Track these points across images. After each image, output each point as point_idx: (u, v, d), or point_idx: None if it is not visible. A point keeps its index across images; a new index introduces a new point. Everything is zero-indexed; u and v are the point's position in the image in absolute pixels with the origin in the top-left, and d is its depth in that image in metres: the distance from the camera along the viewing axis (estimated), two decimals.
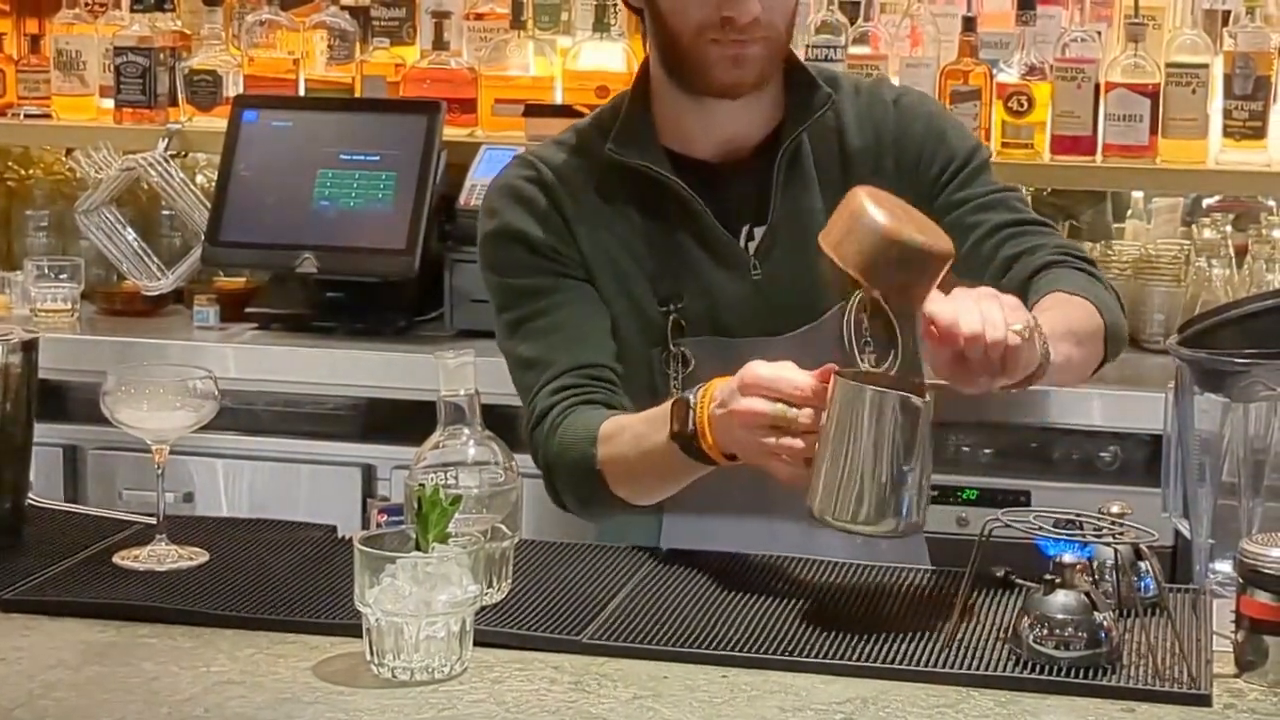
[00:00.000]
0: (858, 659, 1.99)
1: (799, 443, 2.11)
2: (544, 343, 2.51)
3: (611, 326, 2.53)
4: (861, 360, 2.24)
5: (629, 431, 2.37)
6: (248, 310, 3.98)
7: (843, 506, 2.03)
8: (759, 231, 2.52)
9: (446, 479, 2.14)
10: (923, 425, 2.03)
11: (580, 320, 2.51)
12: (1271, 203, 4.07)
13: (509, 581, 2.16)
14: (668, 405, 2.29)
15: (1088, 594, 1.98)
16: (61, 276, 4.05)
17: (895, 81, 3.84)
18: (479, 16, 4.21)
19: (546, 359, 2.50)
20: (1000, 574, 2.05)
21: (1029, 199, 2.54)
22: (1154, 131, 3.78)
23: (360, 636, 1.96)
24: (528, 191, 2.55)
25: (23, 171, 4.53)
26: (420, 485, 2.06)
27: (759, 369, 2.17)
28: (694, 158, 2.53)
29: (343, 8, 4.23)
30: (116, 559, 2.28)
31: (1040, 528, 2.02)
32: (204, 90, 4.21)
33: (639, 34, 4.12)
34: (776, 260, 2.52)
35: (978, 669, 1.96)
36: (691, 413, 2.24)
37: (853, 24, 3.97)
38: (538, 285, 2.53)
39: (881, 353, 2.36)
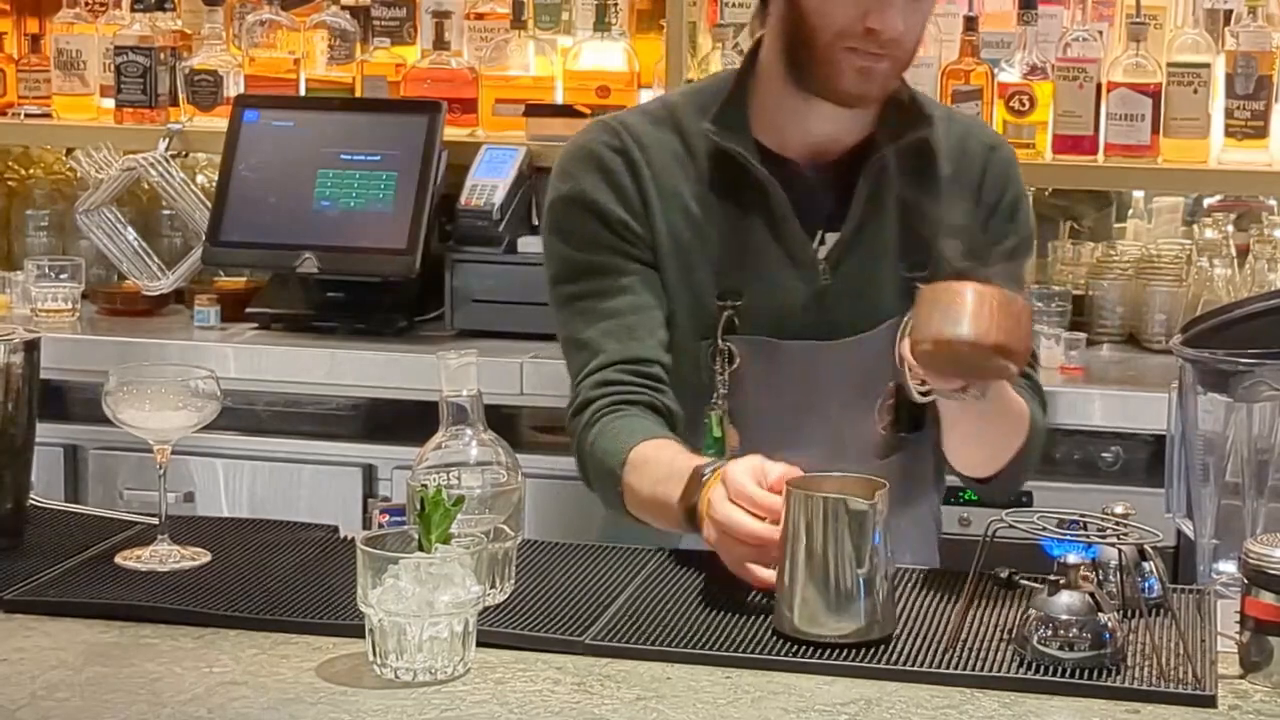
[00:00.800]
0: (861, 660, 1.99)
1: (763, 573, 2.11)
2: (598, 327, 2.47)
3: (671, 318, 2.49)
4: (910, 383, 2.29)
5: (652, 471, 2.32)
6: (248, 310, 3.98)
7: (802, 613, 2.02)
8: (830, 238, 2.49)
9: (449, 479, 2.13)
10: (872, 527, 2.02)
11: (638, 309, 2.47)
12: (1273, 202, 4.07)
13: (511, 582, 2.16)
14: (688, 468, 2.24)
15: (1092, 594, 1.97)
16: (62, 276, 4.05)
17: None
18: (479, 16, 4.22)
19: (597, 345, 2.46)
20: (1005, 575, 2.05)
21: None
22: (1155, 131, 3.78)
23: (363, 637, 1.95)
24: (608, 160, 2.49)
25: (23, 171, 4.53)
26: (423, 486, 2.06)
27: (746, 482, 2.13)
28: (781, 155, 2.48)
29: (343, 7, 4.24)
30: (118, 559, 2.28)
31: (1044, 528, 2.01)
32: (204, 90, 4.21)
33: (639, 34, 4.14)
34: (844, 269, 2.49)
35: (982, 670, 1.96)
36: (700, 490, 2.21)
37: None
38: (602, 264, 2.48)
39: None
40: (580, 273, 2.49)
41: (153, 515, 2.38)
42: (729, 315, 2.46)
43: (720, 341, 2.46)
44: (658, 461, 2.33)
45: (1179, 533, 2.52)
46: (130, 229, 4.14)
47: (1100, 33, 3.88)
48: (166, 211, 4.27)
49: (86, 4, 4.42)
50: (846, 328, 2.48)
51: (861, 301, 2.48)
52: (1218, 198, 4.15)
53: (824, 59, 2.38)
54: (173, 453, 2.31)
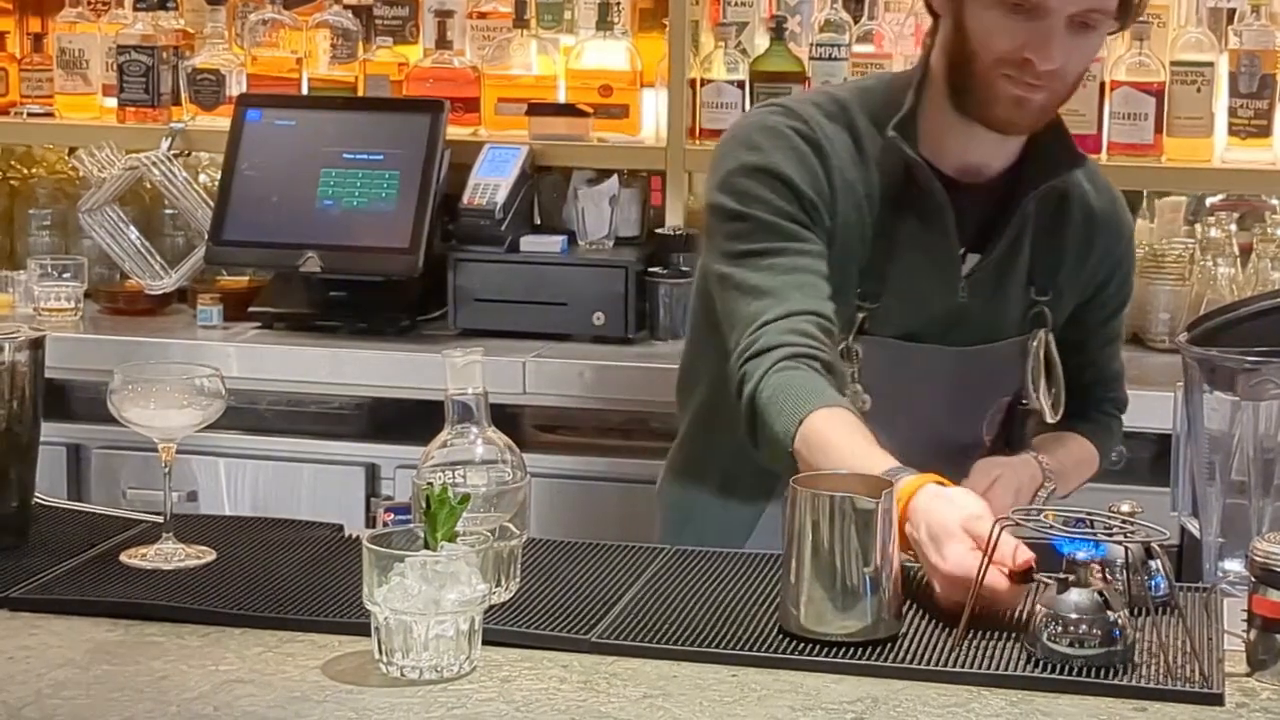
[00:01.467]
0: (868, 658, 1.98)
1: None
2: (781, 279, 2.43)
3: None
4: (1035, 395, 2.53)
5: (829, 458, 2.25)
6: (251, 309, 3.98)
7: (808, 611, 2.02)
8: (971, 258, 2.54)
9: (454, 478, 2.13)
10: (879, 525, 2.02)
11: (820, 273, 2.45)
12: (1276, 201, 4.06)
13: (517, 580, 2.16)
14: (867, 466, 2.18)
15: (1101, 592, 1.97)
16: (65, 275, 4.05)
17: None
18: (482, 15, 4.22)
19: (783, 293, 2.42)
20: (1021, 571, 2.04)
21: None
22: (1159, 130, 3.78)
23: (369, 635, 1.95)
24: (798, 142, 2.48)
25: (26, 170, 4.53)
26: (428, 484, 2.05)
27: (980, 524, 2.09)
28: (939, 170, 2.50)
29: (346, 7, 4.24)
30: (123, 558, 2.27)
31: (1051, 526, 2.01)
32: (207, 89, 4.21)
33: (641, 33, 4.14)
34: (981, 290, 2.55)
35: (989, 668, 1.95)
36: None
37: (857, 22, 3.97)
38: (790, 230, 2.46)
39: (1051, 389, 2.59)
40: (763, 231, 2.46)
41: (157, 514, 2.38)
42: (864, 316, 2.50)
43: (850, 340, 2.48)
44: (831, 447, 2.27)
45: (1184, 531, 2.51)
46: (133, 228, 4.14)
47: None
48: (169, 211, 4.27)
49: (89, 3, 4.42)
50: (973, 341, 2.56)
51: (991, 321, 2.56)
52: (1221, 196, 4.14)
53: (982, 83, 2.41)
54: (176, 452, 2.31)
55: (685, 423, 2.73)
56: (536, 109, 4.03)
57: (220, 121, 4.13)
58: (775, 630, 2.05)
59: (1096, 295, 2.67)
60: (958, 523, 2.08)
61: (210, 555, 2.29)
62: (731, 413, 2.44)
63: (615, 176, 3.99)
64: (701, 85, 3.98)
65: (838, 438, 2.27)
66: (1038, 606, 1.98)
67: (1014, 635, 2.02)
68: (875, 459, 2.21)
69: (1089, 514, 2.05)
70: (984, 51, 2.39)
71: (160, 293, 4.09)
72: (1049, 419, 2.59)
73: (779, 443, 2.31)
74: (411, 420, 3.54)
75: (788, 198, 2.46)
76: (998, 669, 1.95)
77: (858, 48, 3.94)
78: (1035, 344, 2.58)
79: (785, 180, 2.46)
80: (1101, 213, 2.63)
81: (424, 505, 1.97)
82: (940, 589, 2.10)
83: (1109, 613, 1.95)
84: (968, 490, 2.19)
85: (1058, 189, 2.56)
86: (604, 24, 4.05)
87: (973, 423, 2.60)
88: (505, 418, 3.47)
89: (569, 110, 4.04)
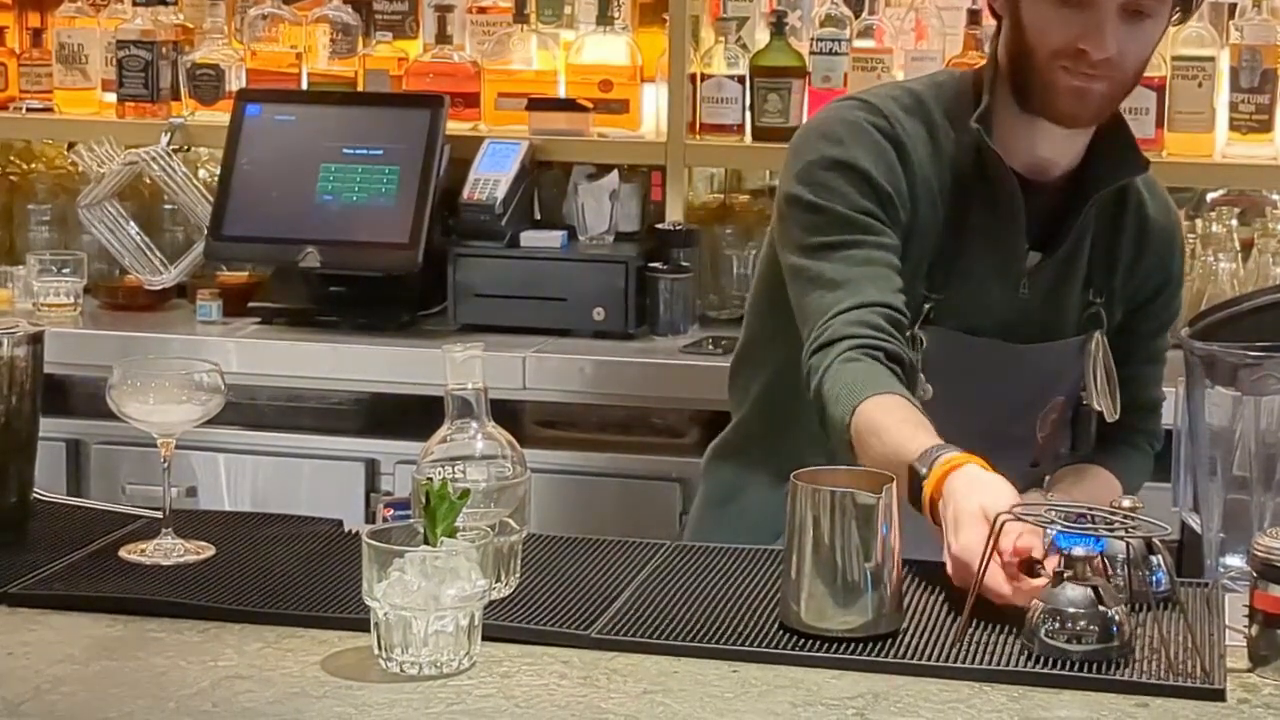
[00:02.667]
0: (869, 654, 1.98)
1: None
2: (857, 270, 2.45)
3: None
4: (1095, 394, 2.57)
5: (881, 440, 2.28)
6: (250, 305, 3.98)
7: (809, 607, 2.02)
8: (1033, 256, 2.55)
9: (454, 473, 2.13)
10: (879, 520, 2.01)
11: (893, 265, 2.47)
12: (1277, 196, 4.06)
13: (517, 576, 2.16)
14: (914, 452, 2.22)
15: (1096, 588, 1.97)
16: (64, 271, 4.05)
17: (901, 77, 3.86)
18: (482, 10, 4.22)
19: (857, 285, 2.44)
20: (1026, 566, 2.04)
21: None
22: (1160, 124, 3.78)
23: (368, 631, 1.95)
24: (879, 138, 2.50)
25: (25, 166, 4.53)
26: (428, 480, 2.05)
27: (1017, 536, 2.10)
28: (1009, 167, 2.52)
29: (345, 1, 4.24)
30: (123, 553, 2.27)
31: (1052, 521, 2.01)
32: (206, 84, 4.21)
33: (641, 27, 4.14)
34: (1041, 288, 2.56)
35: (990, 664, 1.95)
36: (921, 482, 2.19)
37: (857, 17, 3.97)
38: (866, 223, 2.47)
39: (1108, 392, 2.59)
40: (840, 224, 2.47)
41: (156, 509, 2.37)
42: (929, 307, 2.51)
43: (916, 329, 2.49)
44: (887, 432, 2.28)
45: (1185, 526, 2.51)
46: (132, 223, 4.13)
47: None
48: (168, 206, 4.27)
49: None
50: (1033, 338, 2.57)
51: (1050, 319, 2.58)
52: (1222, 191, 4.14)
53: (1040, 76, 2.43)
54: (175, 447, 2.30)
55: (745, 406, 2.74)
56: (536, 104, 4.03)
57: (220, 116, 4.12)
58: (776, 626, 2.05)
59: (1144, 306, 2.67)
60: (980, 507, 2.09)
61: (210, 551, 2.28)
62: (794, 400, 2.47)
63: (615, 171, 3.99)
64: (702, 80, 3.98)
65: (890, 421, 2.29)
66: (1036, 602, 1.98)
67: (1015, 631, 2.02)
68: (921, 440, 2.23)
69: (1090, 509, 2.05)
70: (1040, 45, 2.41)
71: (160, 288, 4.09)
72: (1109, 418, 2.60)
73: (838, 430, 2.34)
74: (411, 415, 3.54)
75: (865, 192, 2.48)
76: (999, 664, 1.95)
77: (858, 42, 3.94)
78: (1093, 344, 2.59)
79: (864, 174, 2.48)
80: (1156, 223, 2.64)
81: (424, 501, 1.96)
82: (950, 570, 2.12)
83: (1106, 608, 1.95)
84: (1003, 479, 2.17)
85: (1118, 191, 2.58)
86: (604, 19, 4.05)
87: (1028, 420, 2.61)
88: (505, 413, 3.44)
89: (569, 105, 4.04)
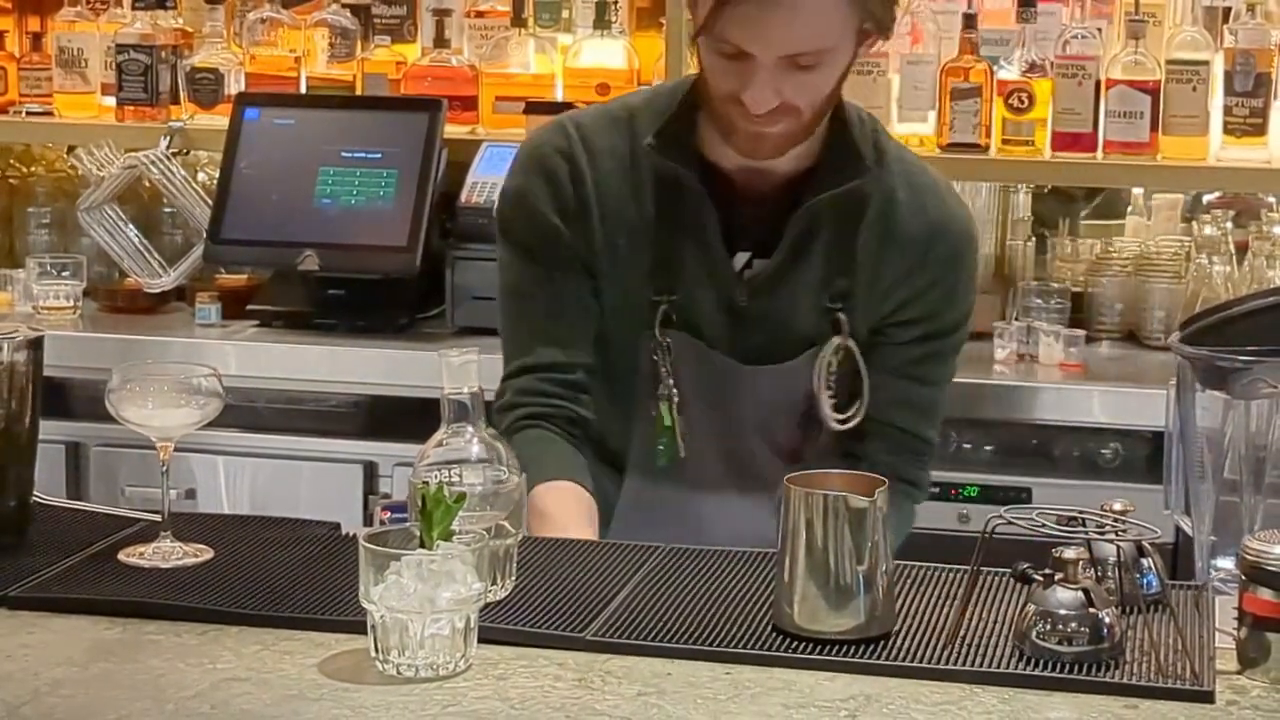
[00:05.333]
0: (861, 656, 1.99)
1: None
2: (526, 325, 2.58)
3: (601, 310, 2.56)
4: (825, 404, 2.52)
5: (550, 529, 2.45)
6: (249, 308, 3.99)
7: (802, 609, 2.03)
8: (759, 263, 2.54)
9: (450, 477, 2.14)
10: (872, 524, 2.03)
11: (565, 313, 2.55)
12: (1272, 199, 4.08)
13: (513, 579, 2.16)
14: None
15: (1086, 590, 1.98)
16: (63, 274, 4.06)
17: (896, 80, 3.87)
18: (480, 14, 4.23)
19: (526, 346, 2.58)
20: (1021, 569, 2.05)
21: (940, 410, 2.67)
22: (1154, 128, 3.79)
23: (365, 633, 1.96)
24: (552, 162, 2.56)
25: (25, 169, 4.54)
26: (424, 483, 2.06)
27: None
28: (722, 171, 2.52)
29: (344, 5, 4.25)
30: (121, 556, 2.28)
31: (1043, 525, 2.02)
32: (206, 88, 4.22)
33: (639, 31, 4.15)
34: (766, 296, 2.54)
35: (981, 666, 1.96)
36: None
37: None
38: (535, 267, 2.57)
39: (843, 400, 2.54)
40: (517, 269, 2.60)
41: (155, 512, 2.38)
42: (665, 310, 2.52)
43: (659, 334, 2.52)
44: (554, 520, 2.47)
45: (1177, 529, 2.52)
46: (131, 226, 4.15)
47: (1099, 30, 3.89)
48: (168, 209, 4.28)
49: (88, 2, 4.43)
50: (763, 350, 2.55)
51: (780, 328, 2.54)
52: (1216, 195, 4.16)
53: (720, 116, 2.44)
54: (174, 449, 2.31)
55: None
56: (534, 107, 4.04)
57: (219, 120, 4.14)
58: (769, 628, 2.06)
59: (891, 318, 2.56)
60: None
61: (208, 554, 2.29)
62: None
63: None
64: None
65: (558, 512, 2.48)
66: (1027, 605, 1.99)
67: (1006, 633, 2.03)
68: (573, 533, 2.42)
69: (1081, 512, 2.06)
70: (715, 88, 2.42)
71: (159, 291, 4.10)
72: (832, 427, 2.53)
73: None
74: (409, 418, 3.53)
75: (533, 228, 2.56)
76: (990, 666, 1.96)
77: None
78: (824, 351, 2.53)
79: (532, 211, 2.56)
80: (905, 230, 2.53)
81: (420, 504, 1.97)
82: None
83: (1096, 610, 1.96)
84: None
85: (854, 196, 2.51)
86: (602, 23, 4.06)
87: (771, 431, 2.59)
88: None
89: (567, 108, 4.04)
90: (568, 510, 2.49)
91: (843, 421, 2.54)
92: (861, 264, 2.54)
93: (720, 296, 2.54)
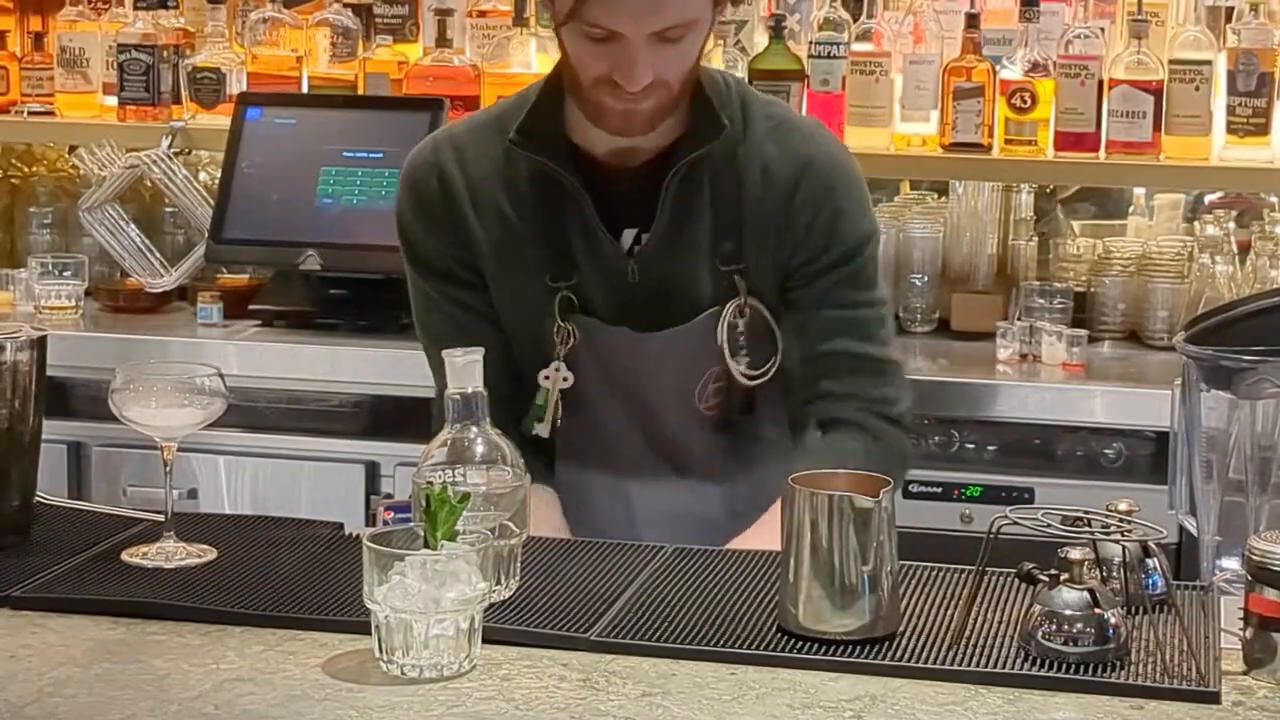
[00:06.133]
0: (866, 656, 1.99)
1: None
2: (432, 352, 2.61)
3: (502, 307, 2.61)
4: (735, 363, 2.54)
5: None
6: (251, 307, 3.98)
7: (807, 610, 2.03)
8: (644, 237, 2.57)
9: (454, 477, 2.14)
10: (877, 525, 2.03)
11: (466, 331, 2.58)
12: (1274, 199, 4.08)
13: (517, 579, 2.16)
14: None
15: (1092, 591, 1.98)
16: (65, 274, 4.06)
17: (899, 80, 3.87)
18: (481, 14, 4.22)
19: (432, 367, 2.62)
20: (1026, 569, 2.05)
21: (889, 318, 2.66)
22: (1157, 128, 3.79)
23: (369, 634, 1.96)
24: (421, 179, 2.62)
25: (26, 169, 4.54)
26: (428, 483, 2.06)
27: None
28: (594, 155, 2.57)
29: (345, 5, 4.24)
30: (125, 556, 2.28)
31: (1049, 525, 2.02)
32: (207, 88, 4.22)
33: None
34: (655, 268, 2.57)
35: (986, 666, 1.96)
36: None
37: (856, 21, 3.97)
38: (424, 287, 2.65)
39: (758, 357, 2.56)
40: (414, 290, 2.68)
41: (157, 512, 2.38)
42: (564, 296, 2.57)
43: (560, 320, 2.57)
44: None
45: (1181, 529, 2.52)
46: (133, 226, 4.14)
47: (1102, 30, 3.89)
48: (169, 209, 4.28)
49: (90, 2, 4.43)
50: (663, 321, 2.58)
51: (675, 297, 2.57)
52: (1219, 195, 4.15)
53: (589, 100, 2.47)
54: (176, 449, 2.31)
55: None
56: None
57: (220, 120, 4.13)
58: (774, 628, 2.06)
59: (792, 261, 2.58)
60: None
61: (211, 554, 2.29)
62: None
63: None
64: None
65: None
66: (1032, 605, 1.99)
67: (1012, 634, 2.03)
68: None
69: (1086, 513, 2.06)
70: (582, 73, 2.45)
71: (160, 291, 4.10)
72: (744, 383, 2.57)
73: None
74: (411, 418, 3.53)
75: (412, 251, 2.65)
76: (996, 667, 1.96)
77: (856, 46, 3.94)
78: (725, 314, 2.56)
79: (408, 233, 2.65)
80: (781, 175, 2.56)
81: (424, 504, 1.97)
82: None
83: (1102, 610, 1.96)
84: None
85: (725, 157, 2.55)
86: None
87: (683, 398, 2.62)
88: None
89: None
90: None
91: (754, 377, 2.58)
92: (747, 222, 2.57)
93: (613, 277, 2.58)
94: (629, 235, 2.58)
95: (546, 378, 2.59)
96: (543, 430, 2.60)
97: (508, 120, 2.59)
